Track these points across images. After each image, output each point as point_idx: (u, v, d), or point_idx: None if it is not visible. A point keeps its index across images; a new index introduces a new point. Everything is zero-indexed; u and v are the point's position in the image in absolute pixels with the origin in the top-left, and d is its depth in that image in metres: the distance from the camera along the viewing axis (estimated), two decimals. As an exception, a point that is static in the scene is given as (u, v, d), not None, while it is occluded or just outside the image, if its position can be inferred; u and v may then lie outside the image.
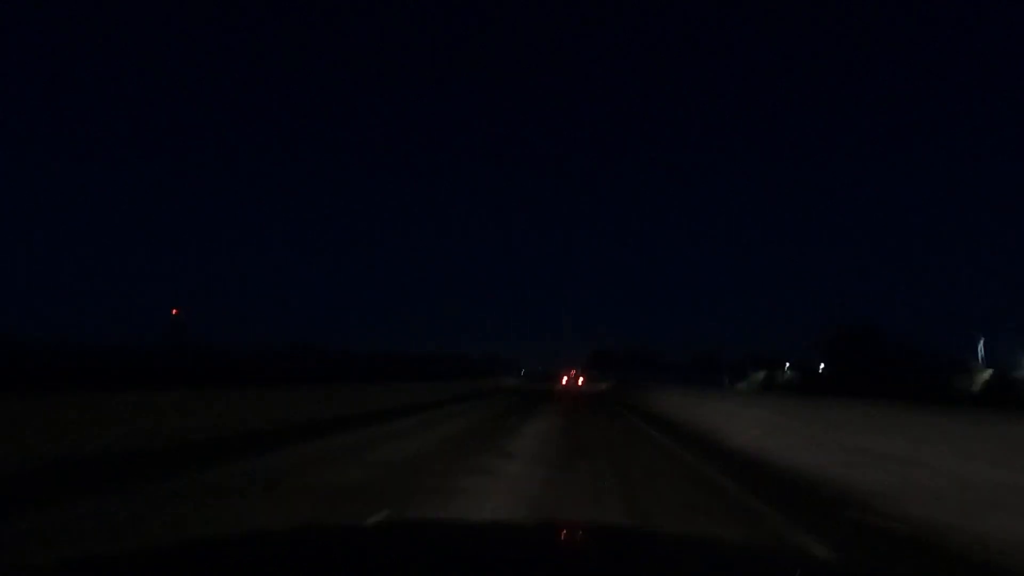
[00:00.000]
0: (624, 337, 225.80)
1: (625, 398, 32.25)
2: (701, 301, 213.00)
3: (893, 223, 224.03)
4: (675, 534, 3.46)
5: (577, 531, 2.11)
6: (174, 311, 70.92)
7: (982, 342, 39.58)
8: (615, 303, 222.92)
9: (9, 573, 2.71)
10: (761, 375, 67.98)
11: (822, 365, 67.75)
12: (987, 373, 34.51)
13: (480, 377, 53.06)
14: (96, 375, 20.36)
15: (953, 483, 5.65)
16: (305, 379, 25.37)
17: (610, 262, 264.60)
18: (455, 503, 5.50)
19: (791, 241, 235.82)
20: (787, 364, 65.89)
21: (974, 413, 10.80)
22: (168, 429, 9.14)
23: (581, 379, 68.56)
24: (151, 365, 35.16)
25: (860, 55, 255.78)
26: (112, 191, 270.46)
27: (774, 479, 7.55)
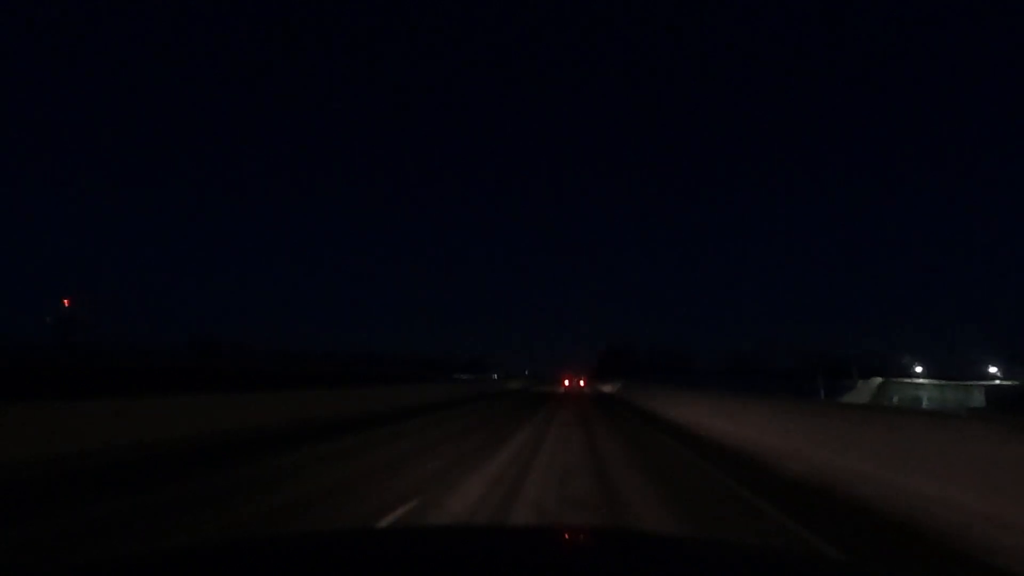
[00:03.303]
0: (645, 337, 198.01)
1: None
2: (733, 299, 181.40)
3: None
4: (680, 537, 3.42)
5: (582, 535, 2.01)
6: (65, 301, 58.67)
7: None
8: (631, 300, 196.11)
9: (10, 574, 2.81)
10: (875, 383, 44.01)
11: (993, 369, 43.36)
12: None
13: (427, 382, 39.96)
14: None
15: None
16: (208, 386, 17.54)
17: (625, 254, 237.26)
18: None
19: (829, 234, 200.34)
20: (994, 370, 40.14)
21: None
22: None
23: (583, 381, 64.87)
24: (29, 368, 29.57)
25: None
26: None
27: None
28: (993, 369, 40.39)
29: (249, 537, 3.78)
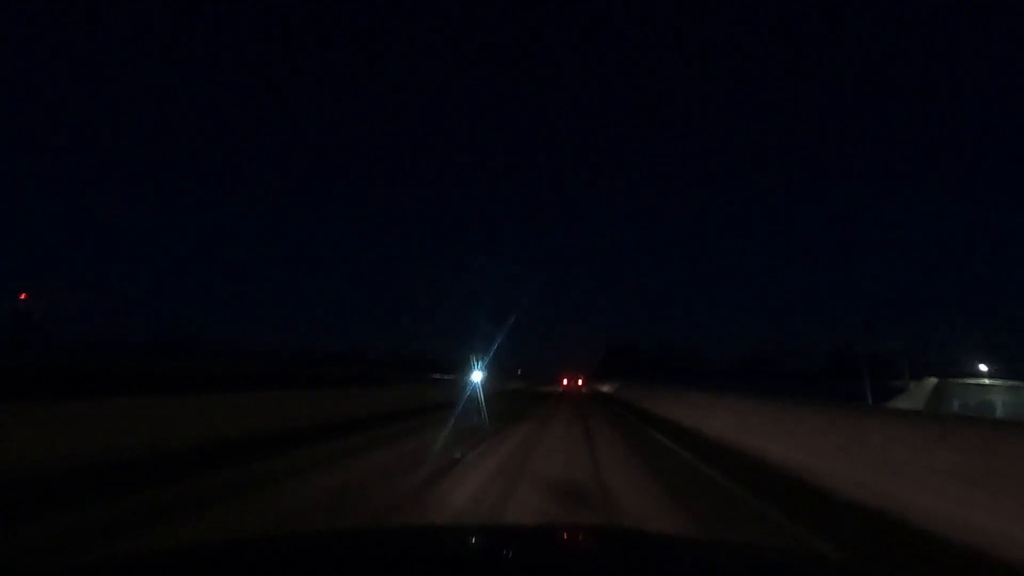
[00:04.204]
0: (645, 336, 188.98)
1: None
2: (740, 298, 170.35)
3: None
4: (680, 537, 3.34)
5: (582, 534, 1.99)
6: (21, 295, 56.60)
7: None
8: (632, 299, 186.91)
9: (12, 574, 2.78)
10: (930, 385, 36.95)
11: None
12: None
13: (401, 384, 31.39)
14: None
15: None
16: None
17: (625, 253, 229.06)
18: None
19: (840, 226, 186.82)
20: None
21: None
22: None
23: (581, 381, 63.38)
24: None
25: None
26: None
27: None
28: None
29: (249, 537, 3.67)
